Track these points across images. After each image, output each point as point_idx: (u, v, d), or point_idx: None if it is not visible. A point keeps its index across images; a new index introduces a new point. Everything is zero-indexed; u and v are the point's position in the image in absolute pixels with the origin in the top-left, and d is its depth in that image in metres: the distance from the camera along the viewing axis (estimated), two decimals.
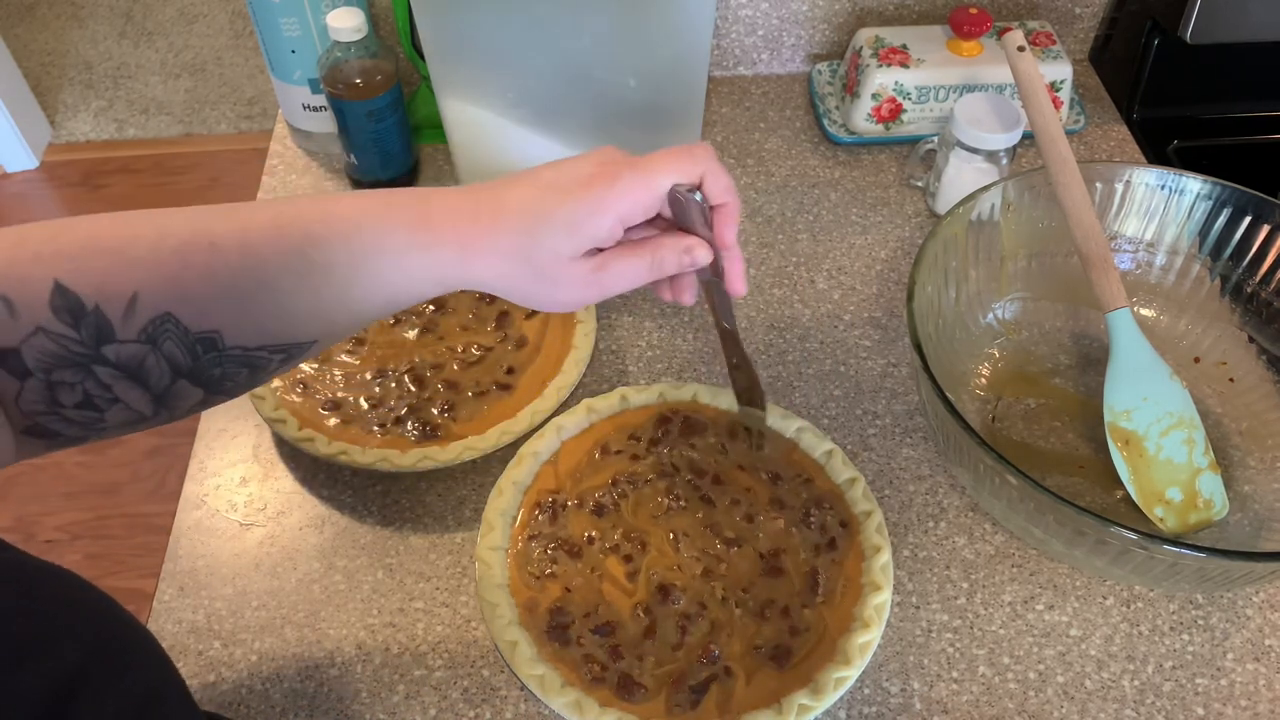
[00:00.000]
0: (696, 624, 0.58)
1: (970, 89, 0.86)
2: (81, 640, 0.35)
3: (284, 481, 0.68)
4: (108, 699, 0.35)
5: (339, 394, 0.69)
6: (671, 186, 0.47)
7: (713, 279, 0.53)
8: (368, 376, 0.70)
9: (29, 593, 0.36)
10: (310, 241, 0.43)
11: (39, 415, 0.39)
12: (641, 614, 0.58)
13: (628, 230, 0.48)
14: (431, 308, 0.74)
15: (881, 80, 0.86)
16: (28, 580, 0.36)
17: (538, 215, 0.46)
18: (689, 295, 0.53)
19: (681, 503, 0.63)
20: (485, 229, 0.46)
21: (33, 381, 0.38)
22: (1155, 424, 0.66)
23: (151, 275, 0.40)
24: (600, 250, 0.48)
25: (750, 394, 0.63)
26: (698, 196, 0.48)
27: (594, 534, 0.62)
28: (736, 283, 0.52)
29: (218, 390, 0.43)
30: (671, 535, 0.61)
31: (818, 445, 0.66)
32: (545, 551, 0.61)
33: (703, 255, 0.50)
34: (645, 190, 0.47)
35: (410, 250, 0.45)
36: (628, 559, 0.61)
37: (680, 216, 0.49)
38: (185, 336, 0.40)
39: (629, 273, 0.48)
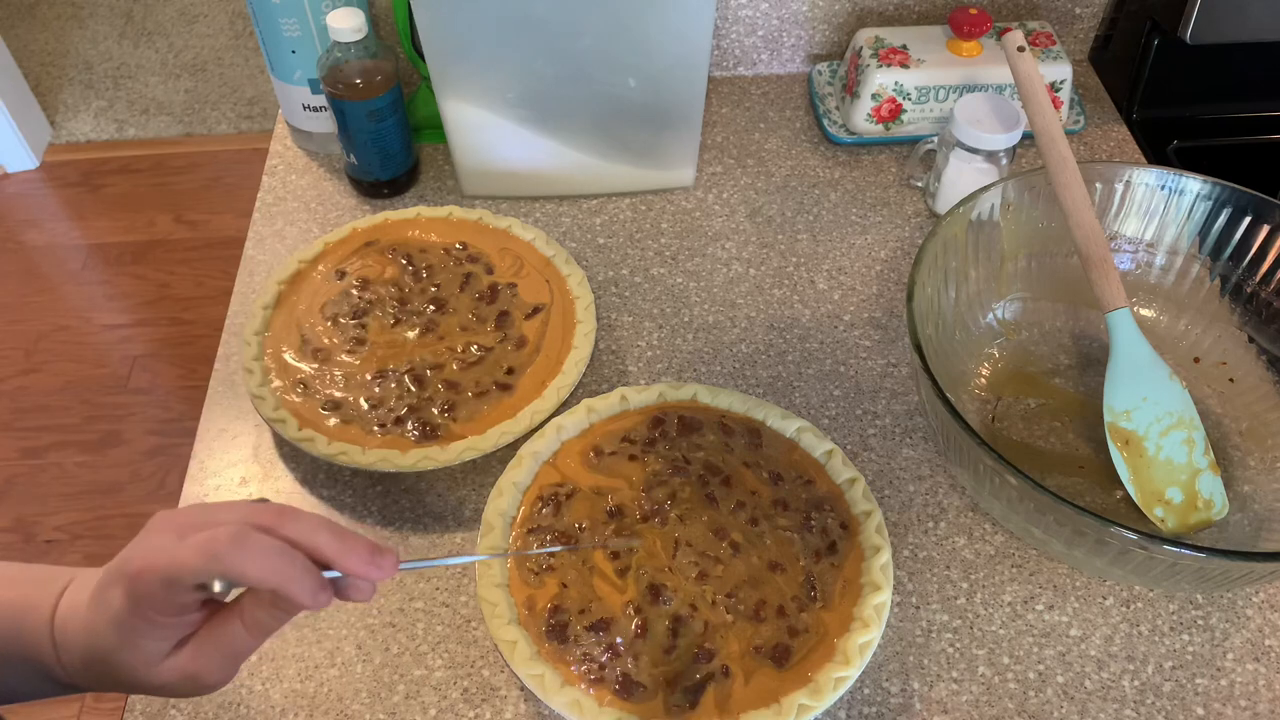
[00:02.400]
0: (688, 625, 0.58)
1: (970, 89, 0.86)
2: None
3: (284, 481, 0.68)
4: None
5: (339, 394, 0.69)
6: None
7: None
8: (368, 377, 0.70)
9: None
10: None
11: None
12: (633, 612, 0.58)
13: None
14: (432, 307, 0.75)
15: (881, 80, 0.86)
16: None
17: (98, 658, 0.42)
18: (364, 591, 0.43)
19: (688, 505, 0.63)
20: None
21: None
22: (1155, 424, 0.66)
23: None
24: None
25: None
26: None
27: (585, 524, 0.62)
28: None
29: None
30: (675, 542, 0.61)
31: (818, 445, 0.66)
32: (544, 544, 0.61)
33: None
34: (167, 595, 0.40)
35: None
36: (615, 555, 0.61)
37: None
38: None
39: (228, 649, 0.42)
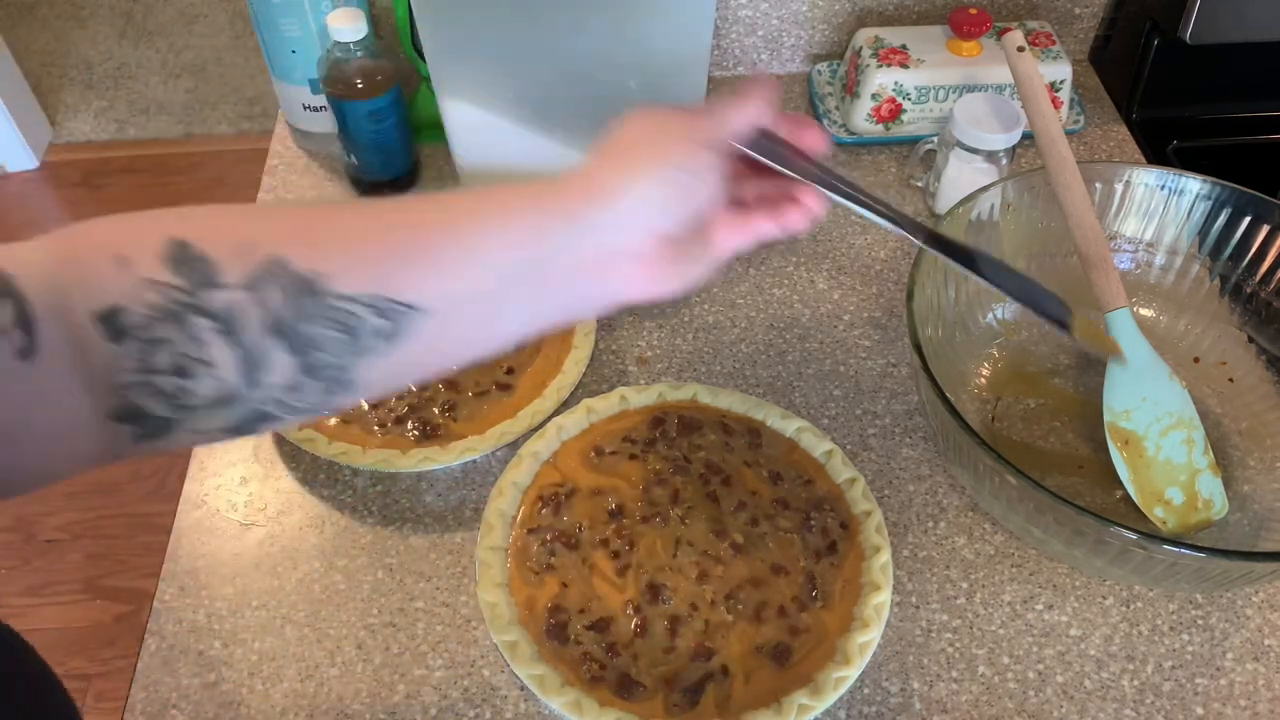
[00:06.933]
0: (688, 625, 0.58)
1: (970, 89, 0.86)
2: None
3: (284, 481, 0.68)
4: None
5: None
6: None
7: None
8: None
9: None
10: (452, 192, 0.44)
11: (129, 388, 0.38)
12: (632, 611, 0.58)
13: None
14: None
15: (881, 80, 0.86)
16: None
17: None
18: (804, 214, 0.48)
19: (689, 505, 0.63)
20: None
21: (130, 343, 0.38)
22: (1155, 424, 0.66)
23: (278, 225, 0.40)
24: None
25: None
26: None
27: (585, 524, 0.62)
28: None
29: (307, 361, 0.40)
30: (675, 541, 0.61)
31: (817, 445, 0.66)
32: (544, 544, 0.61)
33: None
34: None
35: (531, 190, 0.43)
36: (615, 555, 0.61)
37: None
38: (290, 277, 0.39)
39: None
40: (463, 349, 0.44)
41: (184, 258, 0.38)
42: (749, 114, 0.45)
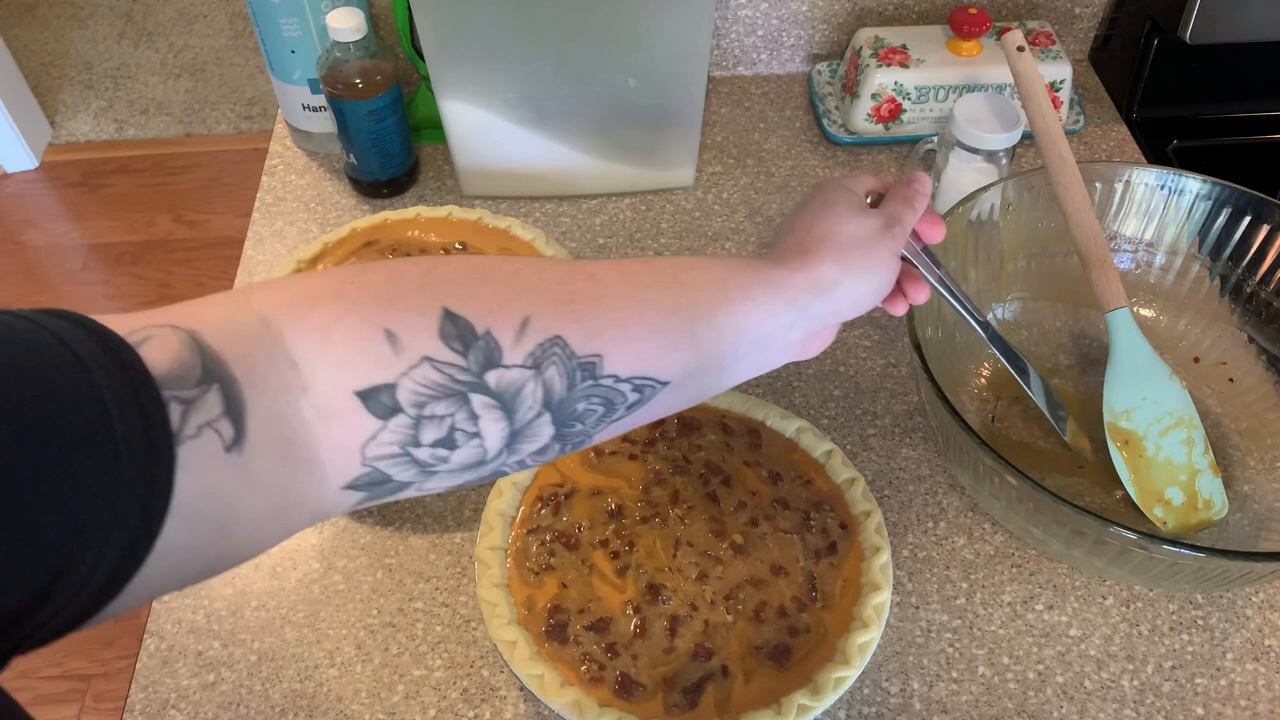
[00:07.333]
0: (687, 625, 0.58)
1: (970, 89, 0.86)
2: None
3: None
4: None
5: None
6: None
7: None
8: None
9: None
10: (681, 263, 0.46)
11: (381, 461, 0.36)
12: (631, 612, 0.58)
13: None
14: None
15: (881, 80, 0.86)
16: None
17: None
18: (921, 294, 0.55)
19: (689, 505, 0.63)
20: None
21: (399, 419, 0.36)
22: (1155, 424, 0.66)
23: (542, 300, 0.39)
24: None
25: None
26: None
27: (584, 524, 0.62)
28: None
29: (564, 429, 0.41)
30: (675, 541, 0.61)
31: (817, 445, 0.66)
32: (543, 544, 0.61)
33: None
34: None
35: (768, 277, 0.47)
36: (615, 555, 0.61)
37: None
38: (570, 360, 0.39)
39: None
40: (678, 408, 0.47)
41: (464, 335, 0.37)
42: (917, 221, 0.53)
